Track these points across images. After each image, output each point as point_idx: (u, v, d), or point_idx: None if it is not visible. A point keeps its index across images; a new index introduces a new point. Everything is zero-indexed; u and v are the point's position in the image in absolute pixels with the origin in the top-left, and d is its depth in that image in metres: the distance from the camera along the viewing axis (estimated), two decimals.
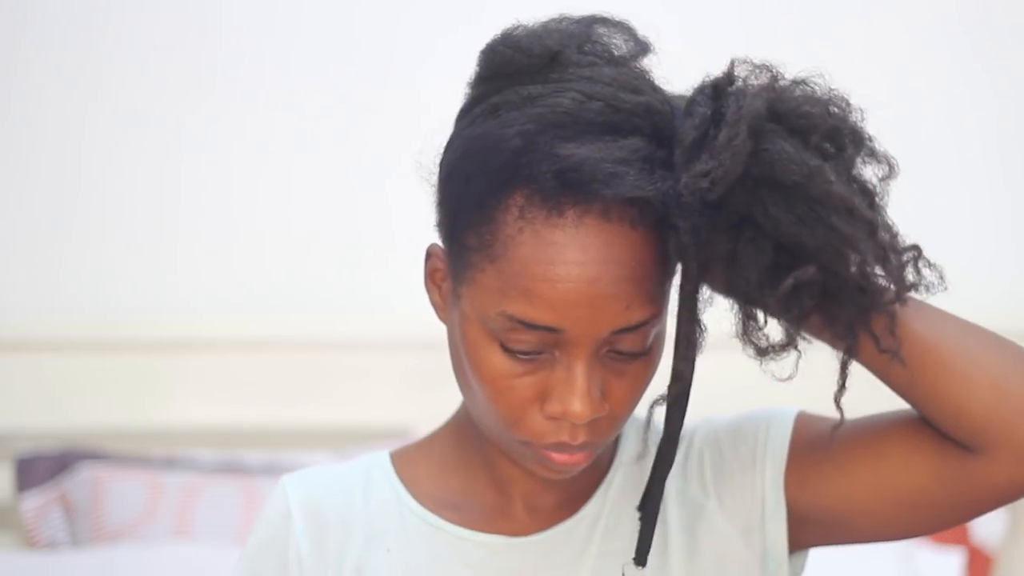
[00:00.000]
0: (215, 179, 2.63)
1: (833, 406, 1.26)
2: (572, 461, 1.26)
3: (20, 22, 2.59)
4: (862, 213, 1.18)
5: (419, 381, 2.49)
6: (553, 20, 1.25)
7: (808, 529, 1.35)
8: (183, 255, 2.60)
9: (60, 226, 2.63)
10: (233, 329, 2.53)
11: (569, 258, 1.18)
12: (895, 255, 1.20)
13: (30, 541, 2.40)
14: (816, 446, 1.34)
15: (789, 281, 1.17)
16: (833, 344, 1.24)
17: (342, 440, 2.48)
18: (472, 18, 2.53)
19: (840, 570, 2.20)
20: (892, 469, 1.30)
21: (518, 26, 1.25)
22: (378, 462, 1.37)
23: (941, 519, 1.32)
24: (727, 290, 1.22)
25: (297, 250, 2.61)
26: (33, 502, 2.41)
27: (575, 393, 1.22)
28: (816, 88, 1.20)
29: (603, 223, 1.18)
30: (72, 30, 2.59)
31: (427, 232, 1.30)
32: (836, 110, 1.20)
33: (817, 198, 1.17)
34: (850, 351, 1.22)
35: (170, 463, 2.42)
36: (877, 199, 1.21)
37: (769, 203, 1.18)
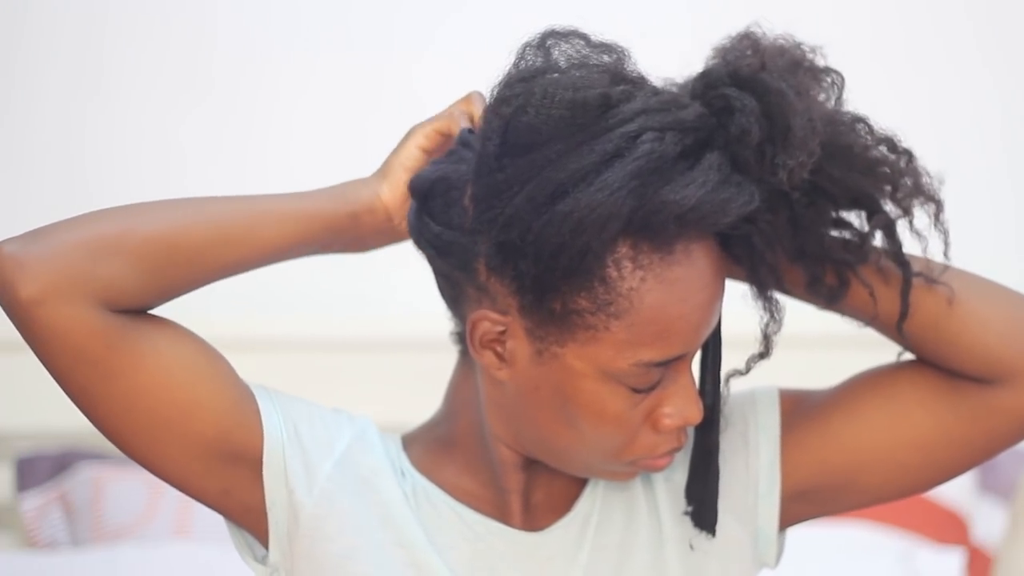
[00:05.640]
0: (213, 179, 2.63)
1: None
2: (671, 460, 1.30)
3: (19, 21, 2.59)
4: (899, 144, 1.27)
5: (419, 381, 2.48)
6: (526, 50, 1.24)
7: (803, 503, 1.37)
8: None
9: None
10: (232, 329, 2.52)
11: (693, 288, 1.21)
12: (927, 176, 1.28)
13: (30, 541, 2.40)
14: (810, 413, 1.36)
15: (872, 225, 1.26)
16: (856, 303, 1.30)
17: None
18: (465, 12, 2.54)
19: (840, 570, 2.20)
20: (907, 410, 1.33)
21: (520, 79, 1.22)
22: (392, 439, 1.38)
23: (956, 461, 1.34)
24: (792, 259, 1.27)
25: None
26: (33, 502, 2.41)
27: (691, 401, 1.26)
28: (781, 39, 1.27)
29: (703, 245, 1.22)
30: (70, 28, 2.59)
31: None
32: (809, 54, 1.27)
33: (867, 145, 1.25)
34: (908, 278, 1.28)
35: None
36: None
37: (828, 168, 1.24)
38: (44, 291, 1.20)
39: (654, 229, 1.19)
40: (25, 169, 2.62)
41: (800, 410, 1.37)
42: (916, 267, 1.29)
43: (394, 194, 1.31)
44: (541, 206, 1.18)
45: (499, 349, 1.25)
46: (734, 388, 1.34)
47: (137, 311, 1.25)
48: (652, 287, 1.20)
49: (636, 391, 1.24)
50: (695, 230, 1.20)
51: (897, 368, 1.35)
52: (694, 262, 1.21)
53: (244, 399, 1.29)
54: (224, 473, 1.29)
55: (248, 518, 1.32)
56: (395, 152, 1.33)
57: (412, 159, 1.32)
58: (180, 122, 2.61)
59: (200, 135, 2.62)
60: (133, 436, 1.26)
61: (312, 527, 1.30)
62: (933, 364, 1.32)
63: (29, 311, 1.21)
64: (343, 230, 1.31)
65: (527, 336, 1.24)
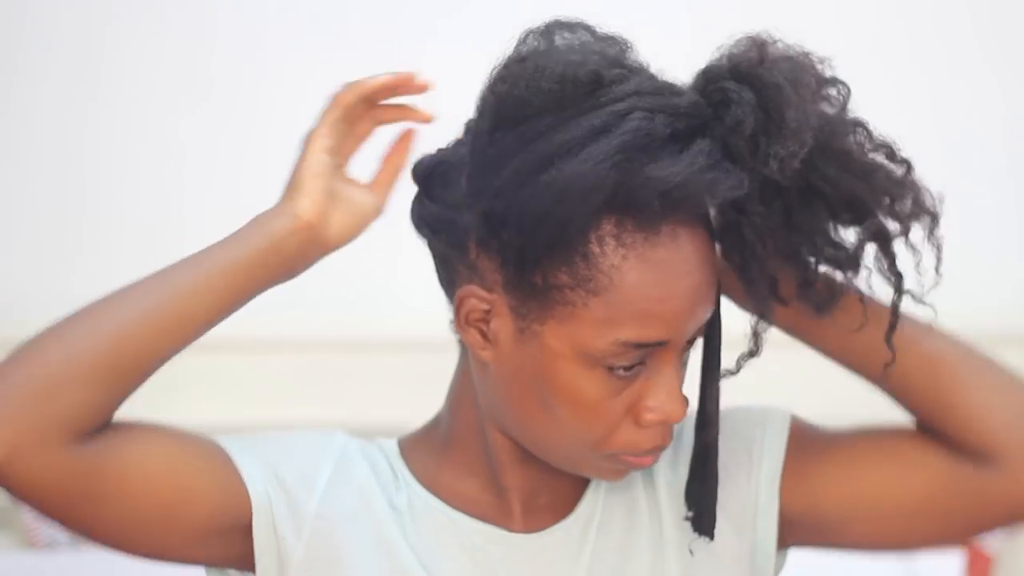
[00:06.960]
0: (216, 179, 2.63)
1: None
2: (656, 459, 1.28)
3: (19, 21, 2.59)
4: (898, 152, 1.26)
5: (419, 381, 2.48)
6: (529, 36, 1.24)
7: (797, 530, 1.37)
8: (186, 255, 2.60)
9: (62, 226, 2.63)
10: (233, 329, 2.52)
11: (677, 272, 1.20)
12: (927, 191, 1.28)
13: (30, 541, 2.40)
14: (814, 447, 1.35)
15: (865, 232, 1.26)
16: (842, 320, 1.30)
17: None
18: (466, 12, 2.53)
19: (840, 570, 2.19)
20: (902, 470, 1.33)
21: (517, 59, 1.22)
22: (387, 445, 1.38)
23: (938, 532, 1.34)
24: (784, 259, 1.26)
25: None
26: None
27: (674, 397, 1.24)
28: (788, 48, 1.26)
29: (690, 230, 1.21)
30: (70, 28, 2.59)
31: None
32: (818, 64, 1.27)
33: (866, 150, 1.25)
34: (899, 290, 1.28)
35: None
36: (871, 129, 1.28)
37: (824, 168, 1.23)
38: (12, 451, 1.19)
39: (639, 206, 1.18)
40: (25, 169, 2.62)
41: (807, 443, 1.36)
42: (907, 326, 1.30)
43: (315, 204, 1.30)
44: (527, 177, 1.19)
45: (484, 328, 1.25)
46: (750, 401, 1.35)
47: (101, 426, 1.24)
48: (634, 266, 1.19)
49: (615, 375, 1.23)
50: (681, 211, 1.20)
51: (903, 427, 1.35)
52: (680, 246, 1.21)
53: (224, 471, 1.29)
54: (222, 541, 1.29)
55: (244, 563, 1.32)
56: (298, 166, 1.31)
57: (320, 164, 1.31)
58: (180, 122, 2.61)
59: (200, 135, 2.62)
60: (133, 543, 1.27)
61: (304, 570, 1.30)
62: (930, 430, 1.33)
63: (3, 471, 1.19)
64: (270, 267, 1.30)
65: (511, 314, 1.23)
